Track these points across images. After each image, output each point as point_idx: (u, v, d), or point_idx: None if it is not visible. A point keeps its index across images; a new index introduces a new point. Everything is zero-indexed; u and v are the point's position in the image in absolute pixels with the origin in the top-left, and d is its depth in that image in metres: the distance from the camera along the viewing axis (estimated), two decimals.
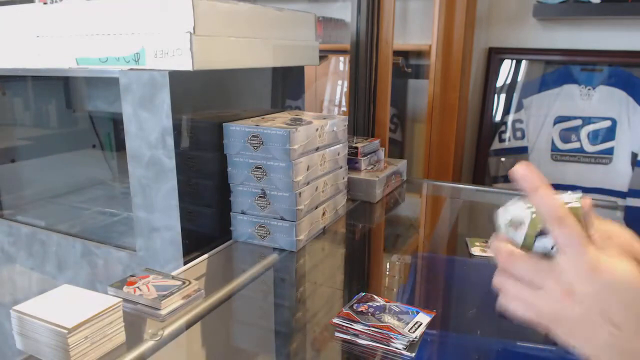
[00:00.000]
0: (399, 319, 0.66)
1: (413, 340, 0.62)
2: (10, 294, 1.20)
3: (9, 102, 1.29)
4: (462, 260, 0.95)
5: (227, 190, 0.94)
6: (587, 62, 1.59)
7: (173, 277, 0.74)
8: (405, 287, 0.86)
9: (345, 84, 1.82)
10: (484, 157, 1.72)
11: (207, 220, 0.94)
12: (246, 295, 0.80)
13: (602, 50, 1.56)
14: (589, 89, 1.58)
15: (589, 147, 1.59)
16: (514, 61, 1.68)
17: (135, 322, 0.66)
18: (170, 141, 0.84)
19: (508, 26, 1.67)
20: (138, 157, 0.88)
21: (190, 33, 0.80)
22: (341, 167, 1.07)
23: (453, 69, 1.56)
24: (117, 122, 1.46)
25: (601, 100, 1.57)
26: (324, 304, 0.78)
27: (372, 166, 1.25)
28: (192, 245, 0.90)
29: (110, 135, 1.49)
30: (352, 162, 1.20)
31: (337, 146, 1.03)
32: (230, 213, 0.94)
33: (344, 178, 1.09)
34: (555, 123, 1.63)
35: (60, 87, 1.37)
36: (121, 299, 0.61)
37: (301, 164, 0.89)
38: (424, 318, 0.67)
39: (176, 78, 0.82)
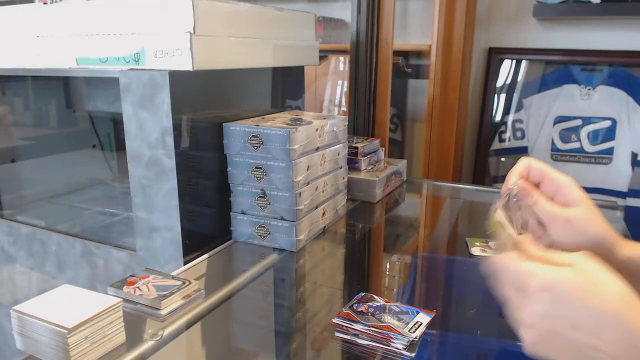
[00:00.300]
0: (399, 319, 0.66)
1: (413, 340, 0.62)
2: (10, 293, 1.20)
3: (9, 102, 1.29)
4: (462, 260, 0.95)
5: (227, 190, 0.94)
6: (587, 62, 1.59)
7: (173, 277, 0.74)
8: (405, 287, 0.86)
9: (345, 84, 1.82)
10: (484, 157, 1.72)
11: (207, 220, 0.94)
12: (246, 295, 0.80)
13: (602, 50, 1.56)
14: (589, 89, 1.58)
15: (589, 147, 1.59)
16: (514, 61, 1.68)
17: (135, 322, 0.66)
18: (170, 141, 0.84)
19: (508, 26, 1.67)
20: (138, 157, 0.88)
21: (190, 33, 0.80)
22: (341, 167, 1.07)
23: (453, 69, 1.56)
24: (117, 122, 1.46)
25: (601, 100, 1.57)
26: (324, 304, 0.78)
27: (372, 166, 1.25)
28: (192, 245, 0.90)
29: (110, 135, 1.49)
30: (352, 162, 1.20)
31: (337, 146, 1.03)
32: (230, 213, 0.94)
33: (344, 178, 1.09)
34: (555, 123, 1.63)
35: (60, 87, 1.37)
36: (121, 299, 0.61)
37: (301, 164, 0.89)
38: (424, 318, 0.67)
39: (176, 78, 0.82)
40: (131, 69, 0.86)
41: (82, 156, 1.45)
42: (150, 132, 0.86)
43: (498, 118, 1.70)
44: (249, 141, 0.88)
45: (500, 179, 1.71)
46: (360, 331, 0.64)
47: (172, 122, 0.83)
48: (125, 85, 0.86)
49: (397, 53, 1.58)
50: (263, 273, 0.86)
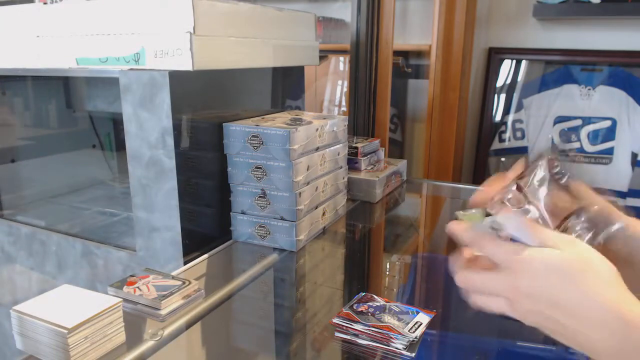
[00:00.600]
0: (399, 319, 0.66)
1: (413, 340, 0.62)
2: (10, 293, 1.20)
3: (9, 102, 1.29)
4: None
5: (227, 190, 0.94)
6: (587, 62, 1.59)
7: (173, 277, 0.74)
8: (405, 287, 0.86)
9: (345, 84, 1.82)
10: (484, 157, 1.72)
11: (207, 220, 0.94)
12: (246, 295, 0.80)
13: (602, 50, 1.56)
14: (589, 89, 1.58)
15: (589, 147, 1.59)
16: (514, 61, 1.68)
17: (135, 322, 0.66)
18: (170, 141, 0.84)
19: (508, 26, 1.67)
20: (138, 157, 0.88)
21: (190, 33, 0.80)
22: (341, 167, 1.07)
23: (453, 69, 1.56)
24: (117, 122, 1.46)
25: (601, 100, 1.57)
26: (324, 304, 0.78)
27: (372, 166, 1.25)
28: (192, 245, 0.90)
29: (110, 135, 1.49)
30: (352, 162, 1.20)
31: (337, 146, 1.03)
32: (230, 213, 0.94)
33: (344, 178, 1.09)
34: (555, 123, 1.63)
35: (60, 87, 1.37)
36: (121, 299, 0.61)
37: (301, 164, 0.89)
38: (424, 318, 0.67)
39: (176, 78, 0.82)
40: (131, 69, 0.86)
41: (82, 156, 1.45)
42: (150, 132, 0.86)
43: (498, 118, 1.70)
44: (249, 141, 0.88)
45: None
46: (360, 331, 0.64)
47: (172, 122, 0.83)
48: (125, 85, 0.86)
49: (397, 53, 1.58)
50: (263, 273, 0.86)
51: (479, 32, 1.69)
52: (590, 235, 0.44)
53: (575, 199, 0.47)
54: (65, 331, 0.55)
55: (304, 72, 1.24)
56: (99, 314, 0.58)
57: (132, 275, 0.73)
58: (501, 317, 0.43)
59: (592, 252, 0.41)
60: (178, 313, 0.68)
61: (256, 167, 0.89)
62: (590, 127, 1.59)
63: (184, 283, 0.71)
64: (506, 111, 1.69)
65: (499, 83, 1.69)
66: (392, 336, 0.63)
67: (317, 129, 0.94)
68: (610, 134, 1.56)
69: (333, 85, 1.86)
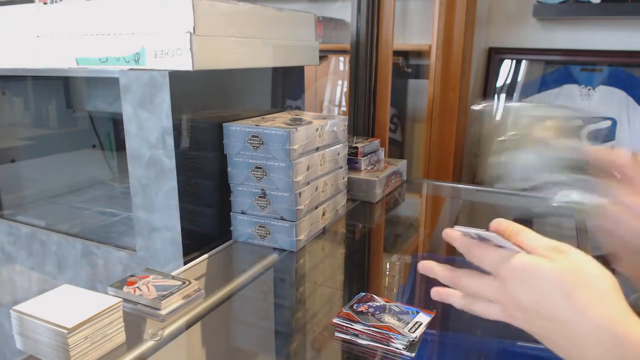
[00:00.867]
0: (399, 319, 0.66)
1: (413, 340, 0.62)
2: (10, 293, 1.20)
3: (9, 102, 1.29)
4: (462, 260, 0.95)
5: (227, 190, 0.94)
6: (587, 62, 1.58)
7: (173, 277, 0.74)
8: (405, 287, 0.86)
9: (345, 84, 1.82)
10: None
11: (207, 220, 0.94)
12: (246, 295, 0.80)
13: (602, 50, 1.56)
14: (589, 89, 1.58)
15: None
16: (514, 61, 1.68)
17: (135, 322, 0.66)
18: (170, 141, 0.84)
19: (508, 26, 1.67)
20: (138, 157, 0.88)
21: (190, 33, 0.80)
22: (341, 167, 1.07)
23: (453, 69, 1.56)
24: (117, 122, 1.46)
25: (601, 100, 1.57)
26: (324, 304, 0.78)
27: (372, 166, 1.25)
28: (192, 245, 0.90)
29: (110, 135, 1.49)
30: (352, 162, 1.20)
31: (337, 146, 1.03)
32: (230, 213, 0.94)
33: (344, 178, 1.09)
34: None
35: (60, 87, 1.37)
36: (121, 299, 0.61)
37: (301, 164, 0.89)
38: (424, 318, 0.67)
39: (176, 78, 0.82)
40: (131, 69, 0.86)
41: (82, 156, 1.45)
42: (150, 132, 0.86)
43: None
44: (249, 141, 0.88)
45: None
46: (360, 331, 0.64)
47: (172, 122, 0.83)
48: (125, 85, 0.86)
49: (397, 53, 1.58)
50: (263, 273, 0.86)
51: (479, 32, 1.69)
52: None
53: None
54: (65, 331, 0.55)
55: (304, 72, 1.24)
56: (99, 314, 0.58)
57: (132, 275, 0.73)
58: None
59: (584, 261, 0.39)
60: (178, 313, 0.68)
61: (256, 167, 0.89)
62: (590, 127, 1.59)
63: (184, 283, 0.71)
64: None
65: (499, 83, 1.69)
66: (392, 336, 0.63)
67: (317, 129, 0.94)
68: (610, 134, 1.56)
69: (333, 85, 1.86)
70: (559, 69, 1.62)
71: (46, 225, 1.13)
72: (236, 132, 0.89)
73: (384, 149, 1.32)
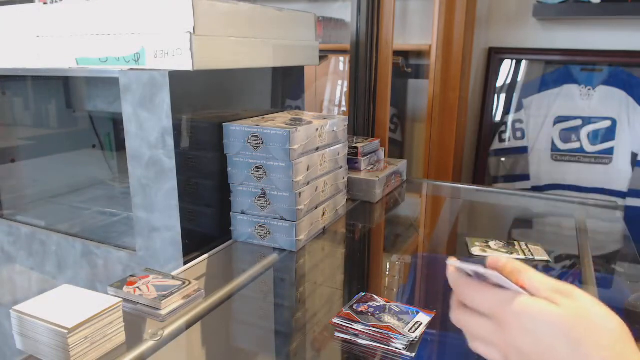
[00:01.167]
0: (399, 319, 0.66)
1: (413, 340, 0.62)
2: (10, 294, 1.20)
3: (9, 102, 1.29)
4: (462, 259, 0.95)
5: (227, 190, 0.94)
6: (587, 62, 1.59)
7: (173, 277, 0.74)
8: (405, 287, 0.86)
9: (345, 84, 1.82)
10: (484, 157, 1.72)
11: (207, 220, 0.94)
12: (246, 295, 0.80)
13: (602, 50, 1.56)
14: (589, 89, 1.58)
15: (589, 147, 1.59)
16: (514, 61, 1.68)
17: (135, 322, 0.66)
18: (170, 141, 0.84)
19: (508, 26, 1.67)
20: (138, 157, 0.88)
21: (190, 33, 0.80)
22: (341, 167, 1.07)
23: (453, 69, 1.56)
24: (117, 122, 1.46)
25: (601, 100, 1.57)
26: (324, 304, 0.78)
27: (372, 166, 1.25)
28: (192, 245, 0.90)
29: (110, 135, 1.49)
30: (352, 162, 1.20)
31: (337, 146, 1.03)
32: (230, 213, 0.94)
33: (344, 178, 1.09)
34: (555, 123, 1.63)
35: (60, 87, 1.37)
36: (121, 299, 0.61)
37: (301, 164, 0.89)
38: (424, 318, 0.67)
39: (176, 78, 0.82)
40: (131, 69, 0.86)
41: (82, 156, 1.45)
42: (150, 132, 0.86)
43: (498, 118, 1.70)
44: (249, 141, 0.88)
45: (501, 178, 1.71)
46: (360, 331, 0.64)
47: (172, 122, 0.83)
48: (125, 85, 0.86)
49: (397, 53, 1.58)
50: (263, 273, 0.86)
51: (479, 32, 1.69)
52: None
53: None
54: (66, 331, 0.55)
55: (304, 72, 1.24)
56: (99, 314, 0.58)
57: (132, 275, 0.73)
58: None
59: (592, 306, 0.36)
60: (178, 313, 0.68)
61: (256, 167, 0.89)
62: (590, 127, 1.59)
63: (184, 283, 0.71)
64: (506, 111, 1.69)
65: (499, 83, 1.69)
66: (392, 336, 0.63)
67: (317, 129, 0.94)
68: (610, 133, 1.56)
69: (333, 85, 1.86)
70: (559, 69, 1.62)
71: (46, 225, 1.13)
72: (236, 132, 0.89)
73: (384, 149, 1.32)
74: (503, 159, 1.69)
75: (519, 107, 1.67)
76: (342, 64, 1.83)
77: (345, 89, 1.83)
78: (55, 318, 0.57)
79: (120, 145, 1.47)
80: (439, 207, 1.33)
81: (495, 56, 1.68)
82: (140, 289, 0.70)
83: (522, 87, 1.66)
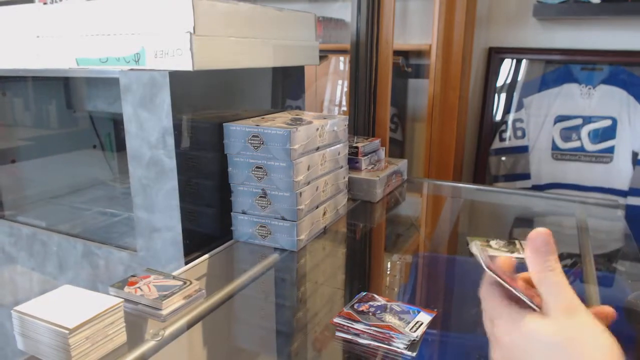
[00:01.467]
0: (400, 319, 0.66)
1: (414, 340, 0.62)
2: (11, 294, 1.20)
3: (9, 103, 1.29)
4: (463, 259, 0.95)
5: (227, 190, 0.93)
6: (587, 61, 1.59)
7: (174, 277, 0.74)
8: (406, 286, 0.86)
9: (345, 84, 1.82)
10: (484, 157, 1.72)
11: (207, 220, 0.94)
12: (247, 295, 0.80)
13: (602, 50, 1.56)
14: (589, 88, 1.58)
15: (589, 146, 1.59)
16: (514, 61, 1.68)
17: (136, 323, 0.66)
18: (170, 141, 0.84)
19: (508, 26, 1.67)
20: (138, 157, 0.88)
21: (190, 33, 0.80)
22: (342, 167, 1.07)
23: (453, 68, 1.56)
24: (117, 122, 1.46)
25: (601, 99, 1.57)
26: (325, 304, 0.78)
27: (372, 166, 1.25)
28: (193, 245, 0.90)
29: (111, 136, 1.49)
30: (353, 161, 1.20)
31: (338, 146, 1.03)
32: (231, 213, 0.94)
33: (344, 178, 1.09)
34: (555, 122, 1.63)
35: (60, 87, 1.37)
36: (122, 299, 0.61)
37: (301, 163, 0.89)
38: (425, 317, 0.67)
39: (176, 78, 0.82)
40: (131, 69, 0.86)
41: (82, 156, 1.45)
42: (150, 132, 0.86)
43: (498, 117, 1.70)
44: (250, 141, 0.88)
45: (501, 178, 1.71)
46: (362, 331, 0.64)
47: (173, 122, 0.83)
48: (126, 85, 0.86)
49: (397, 53, 1.58)
50: (264, 273, 0.86)
51: (479, 32, 1.69)
52: None
53: None
54: (67, 331, 0.55)
55: (304, 72, 1.24)
56: (100, 315, 0.58)
57: (133, 276, 0.73)
58: None
59: (588, 328, 0.36)
60: (179, 313, 0.68)
61: (257, 167, 0.89)
62: (591, 126, 1.59)
63: (185, 283, 0.71)
64: (506, 110, 1.69)
65: (499, 82, 1.69)
66: (393, 336, 0.63)
67: (318, 129, 0.94)
68: (610, 132, 1.56)
69: (333, 85, 1.86)
70: (559, 68, 1.62)
71: (47, 225, 1.13)
72: (236, 132, 0.89)
73: (384, 148, 1.32)
74: (503, 158, 1.69)
75: (520, 107, 1.67)
76: (342, 64, 1.83)
77: (345, 89, 1.83)
78: (56, 318, 0.57)
79: (120, 146, 1.47)
80: (439, 207, 1.33)
81: (495, 56, 1.68)
82: (141, 289, 0.70)
83: (523, 87, 1.66)
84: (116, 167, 1.48)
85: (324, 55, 1.80)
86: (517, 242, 0.95)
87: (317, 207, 0.97)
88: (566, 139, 1.62)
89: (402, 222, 1.20)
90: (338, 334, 0.65)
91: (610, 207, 1.20)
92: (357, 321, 0.65)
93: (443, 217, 1.24)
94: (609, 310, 0.41)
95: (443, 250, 1.04)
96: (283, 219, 0.90)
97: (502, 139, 1.69)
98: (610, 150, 1.56)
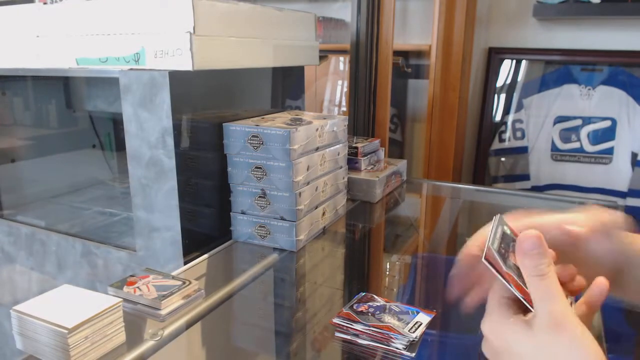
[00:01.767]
0: (399, 319, 0.66)
1: (413, 340, 0.62)
2: (10, 293, 1.20)
3: (8, 102, 1.29)
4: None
5: (227, 190, 0.93)
6: (587, 62, 1.59)
7: (173, 277, 0.74)
8: (405, 287, 0.86)
9: (345, 84, 1.82)
10: (484, 157, 1.72)
11: (207, 220, 0.94)
12: (246, 295, 0.80)
13: (602, 50, 1.56)
14: (589, 89, 1.58)
15: (589, 147, 1.59)
16: (514, 61, 1.68)
17: (135, 322, 0.66)
18: (170, 141, 0.84)
19: (508, 26, 1.67)
20: (138, 157, 0.88)
21: (190, 33, 0.80)
22: (341, 167, 1.07)
23: (453, 69, 1.56)
24: (117, 122, 1.46)
25: (601, 100, 1.57)
26: (324, 304, 0.78)
27: (372, 166, 1.25)
28: (192, 245, 0.90)
29: (110, 135, 1.49)
30: (352, 162, 1.20)
31: (337, 146, 1.03)
32: (230, 213, 0.94)
33: (344, 178, 1.09)
34: (555, 123, 1.63)
35: (60, 87, 1.37)
36: (121, 299, 0.61)
37: (301, 164, 0.89)
38: (424, 318, 0.67)
39: (176, 78, 0.82)
40: (131, 69, 0.86)
41: (82, 156, 1.45)
42: (150, 132, 0.86)
43: (498, 118, 1.70)
44: (249, 141, 0.88)
45: (501, 179, 1.71)
46: (361, 331, 0.64)
47: (172, 122, 0.83)
48: (125, 85, 0.86)
49: (397, 53, 1.58)
50: (263, 273, 0.86)
51: (479, 32, 1.69)
52: None
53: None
54: (66, 331, 0.55)
55: (304, 72, 1.24)
56: (99, 314, 0.58)
57: (132, 275, 0.73)
58: None
59: (572, 350, 0.35)
60: (178, 313, 0.68)
61: (256, 167, 0.89)
62: (590, 127, 1.59)
63: (184, 283, 0.71)
64: (506, 111, 1.69)
65: (499, 83, 1.69)
66: (392, 336, 0.63)
67: (317, 129, 0.94)
68: (610, 133, 1.56)
69: (333, 85, 1.86)
70: (559, 69, 1.62)
71: (46, 225, 1.13)
72: (236, 132, 0.89)
73: (384, 149, 1.32)
74: (503, 159, 1.69)
75: (519, 107, 1.67)
76: (342, 64, 1.83)
77: (345, 89, 1.83)
78: (55, 318, 0.57)
79: (120, 145, 1.47)
80: (439, 207, 1.33)
81: (495, 56, 1.68)
82: (140, 289, 0.70)
83: (522, 87, 1.66)
84: (116, 167, 1.48)
85: (324, 55, 1.80)
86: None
87: (316, 208, 0.97)
88: (566, 139, 1.62)
89: (402, 222, 1.20)
90: (337, 334, 0.65)
91: (610, 208, 1.20)
92: (356, 321, 0.65)
93: (442, 217, 1.24)
94: (600, 284, 0.41)
95: (442, 251, 1.04)
96: (282, 219, 0.90)
97: (501, 140, 1.69)
98: (610, 151, 1.56)
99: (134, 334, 0.63)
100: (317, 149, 0.95)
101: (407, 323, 0.65)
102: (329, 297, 0.80)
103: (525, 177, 1.67)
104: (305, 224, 0.92)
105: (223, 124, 0.91)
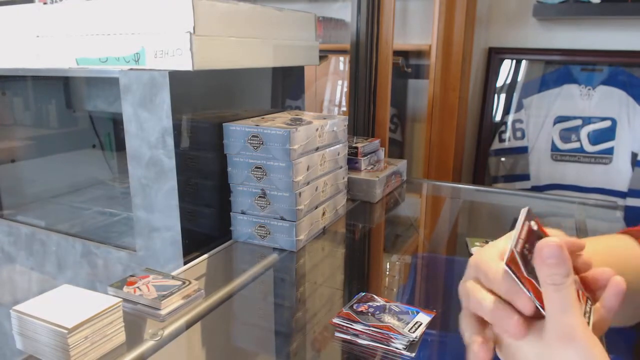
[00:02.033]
0: (399, 319, 0.66)
1: (413, 340, 0.62)
2: (10, 293, 1.20)
3: (8, 102, 1.29)
4: (462, 260, 0.95)
5: (227, 190, 0.94)
6: (587, 62, 1.59)
7: (173, 277, 0.74)
8: (405, 287, 0.86)
9: (345, 84, 1.82)
10: (484, 157, 1.72)
11: (207, 220, 0.94)
12: (246, 295, 0.80)
13: (602, 50, 1.56)
14: (589, 89, 1.58)
15: (589, 147, 1.59)
16: (514, 61, 1.68)
17: (135, 322, 0.66)
18: (170, 141, 0.84)
19: (508, 26, 1.67)
20: (138, 157, 0.88)
21: (190, 33, 0.80)
22: (341, 167, 1.07)
23: (453, 69, 1.56)
24: (117, 122, 1.46)
25: (601, 100, 1.57)
26: (324, 304, 0.78)
27: (372, 166, 1.25)
28: (192, 245, 0.90)
29: (110, 135, 1.49)
30: (352, 162, 1.20)
31: (337, 146, 1.03)
32: (230, 213, 0.94)
33: (344, 178, 1.09)
34: (555, 123, 1.63)
35: (60, 87, 1.37)
36: (121, 299, 0.61)
37: (301, 164, 0.89)
38: (424, 318, 0.67)
39: (176, 78, 0.82)
40: (131, 69, 0.86)
41: (82, 156, 1.45)
42: (150, 132, 0.86)
43: (498, 118, 1.70)
44: (249, 141, 0.88)
45: (500, 179, 1.71)
46: (361, 331, 0.64)
47: (172, 122, 0.83)
48: (125, 85, 0.86)
49: (397, 53, 1.58)
50: (263, 273, 0.86)
51: (479, 32, 1.69)
52: None
53: None
54: (66, 331, 0.55)
55: (304, 72, 1.24)
56: (99, 314, 0.58)
57: (132, 275, 0.73)
58: None
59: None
60: (178, 313, 0.68)
61: (256, 167, 0.89)
62: (590, 127, 1.59)
63: (184, 283, 0.71)
64: (506, 111, 1.69)
65: (499, 83, 1.69)
66: (392, 336, 0.63)
67: (317, 129, 0.94)
68: (610, 133, 1.56)
69: (333, 85, 1.86)
70: (559, 69, 1.62)
71: (46, 225, 1.13)
72: (236, 132, 0.89)
73: (384, 149, 1.32)
74: (503, 159, 1.69)
75: (519, 107, 1.67)
76: (342, 64, 1.83)
77: (345, 89, 1.83)
78: (55, 318, 0.57)
79: (120, 145, 1.47)
80: (439, 207, 1.33)
81: (495, 56, 1.68)
82: (140, 289, 0.70)
83: (522, 87, 1.67)
84: (115, 167, 1.48)
85: (324, 55, 1.80)
86: None
87: (316, 208, 0.97)
88: (566, 139, 1.62)
89: (402, 222, 1.20)
90: (337, 334, 0.65)
91: (609, 209, 1.20)
92: (356, 321, 0.65)
93: (442, 217, 1.24)
94: (616, 285, 0.40)
95: (442, 251, 1.04)
96: (282, 219, 0.90)
97: (501, 140, 1.69)
98: (610, 151, 1.56)
99: (134, 334, 0.63)
100: (317, 149, 0.95)
101: (407, 323, 0.65)
102: (329, 297, 0.80)
103: (525, 177, 1.67)
104: (305, 224, 0.92)
105: (223, 124, 0.91)
